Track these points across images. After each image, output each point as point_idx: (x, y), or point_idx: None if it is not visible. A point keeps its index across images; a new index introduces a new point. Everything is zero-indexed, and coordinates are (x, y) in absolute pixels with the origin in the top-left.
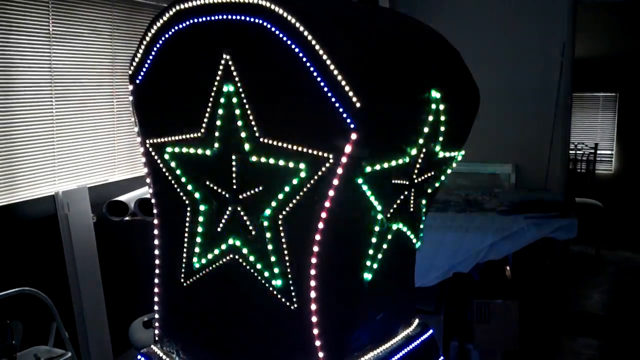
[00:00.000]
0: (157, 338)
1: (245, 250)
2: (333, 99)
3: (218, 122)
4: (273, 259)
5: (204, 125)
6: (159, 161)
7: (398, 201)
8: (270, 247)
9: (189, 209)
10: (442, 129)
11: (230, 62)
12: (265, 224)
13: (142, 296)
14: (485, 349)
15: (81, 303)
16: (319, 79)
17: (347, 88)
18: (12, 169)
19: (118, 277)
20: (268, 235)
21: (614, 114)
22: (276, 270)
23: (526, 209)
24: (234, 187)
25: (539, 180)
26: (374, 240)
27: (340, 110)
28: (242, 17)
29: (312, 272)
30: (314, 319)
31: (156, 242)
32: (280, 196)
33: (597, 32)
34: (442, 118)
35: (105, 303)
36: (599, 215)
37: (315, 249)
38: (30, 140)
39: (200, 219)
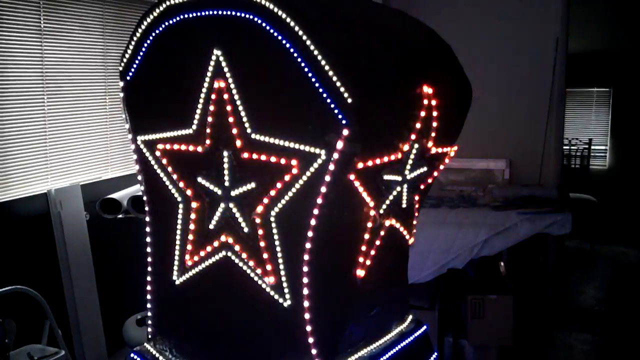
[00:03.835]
0: (150, 336)
1: (237, 248)
2: (324, 95)
3: (209, 119)
4: (265, 256)
5: (195, 121)
6: (150, 158)
7: (390, 197)
8: (262, 244)
9: (180, 206)
10: (434, 124)
11: (221, 58)
12: (258, 220)
13: (136, 294)
14: (479, 344)
15: (75, 301)
16: (310, 74)
17: (338, 84)
18: (4, 166)
19: (112, 275)
20: (260, 232)
21: (607, 109)
22: (269, 268)
23: (520, 204)
24: (226, 184)
25: (533, 176)
26: (366, 236)
27: (332, 106)
28: (233, 13)
29: (305, 269)
30: (307, 315)
31: (148, 239)
32: (272, 193)
33: (590, 28)
34: (434, 113)
35: (99, 301)
36: (593, 211)
37: (308, 245)
38: (22, 138)
39: (192, 216)
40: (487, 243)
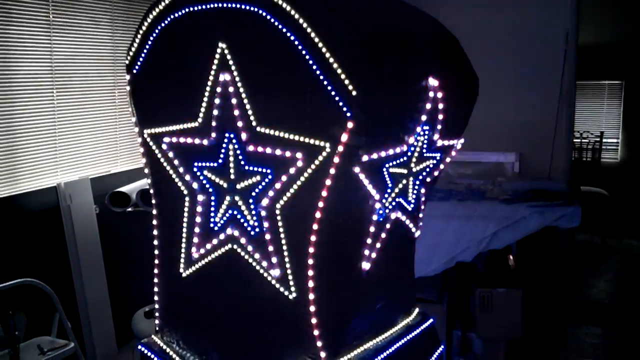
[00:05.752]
0: (157, 328)
1: (243, 240)
2: (329, 87)
3: (215, 112)
4: (271, 248)
5: (200, 114)
6: (156, 151)
7: (396, 190)
8: (268, 236)
9: (187, 199)
10: (440, 117)
11: (226, 51)
12: (263, 213)
13: (146, 286)
14: (488, 338)
15: (84, 294)
16: (315, 67)
17: (343, 76)
18: (14, 160)
19: (121, 267)
20: (266, 225)
21: (619, 102)
22: (274, 260)
23: (529, 197)
24: (232, 177)
25: (543, 169)
26: (372, 229)
27: (337, 98)
28: (238, 6)
29: (310, 261)
30: (312, 308)
31: (155, 232)
32: (278, 186)
33: (601, 20)
34: (440, 106)
35: (108, 294)
36: (604, 204)
37: (313, 238)
38: (31, 132)
39: (199, 209)
40: (496, 236)
